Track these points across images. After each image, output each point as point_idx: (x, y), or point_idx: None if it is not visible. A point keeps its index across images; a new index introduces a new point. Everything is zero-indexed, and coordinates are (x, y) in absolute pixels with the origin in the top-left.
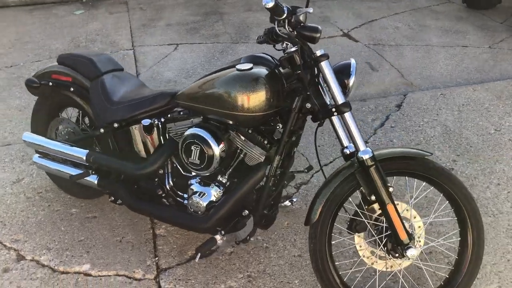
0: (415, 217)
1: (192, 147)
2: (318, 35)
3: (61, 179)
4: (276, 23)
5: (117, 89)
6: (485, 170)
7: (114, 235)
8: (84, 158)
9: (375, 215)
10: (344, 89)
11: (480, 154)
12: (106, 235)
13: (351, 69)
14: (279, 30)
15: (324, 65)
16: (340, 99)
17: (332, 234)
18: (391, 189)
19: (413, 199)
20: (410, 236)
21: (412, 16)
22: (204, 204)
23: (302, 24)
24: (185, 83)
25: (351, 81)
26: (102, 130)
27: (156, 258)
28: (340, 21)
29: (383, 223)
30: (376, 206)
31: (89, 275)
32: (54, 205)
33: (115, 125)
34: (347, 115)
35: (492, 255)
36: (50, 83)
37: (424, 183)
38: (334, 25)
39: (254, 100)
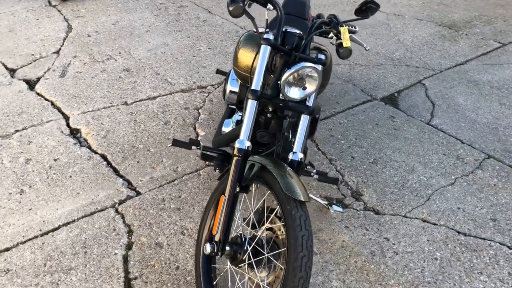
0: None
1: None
2: (230, 8)
3: None
4: None
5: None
6: None
7: None
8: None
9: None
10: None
11: None
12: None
13: (299, 64)
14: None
15: (261, 48)
16: (253, 85)
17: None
18: (238, 189)
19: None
20: (225, 237)
21: None
22: (222, 128)
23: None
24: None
25: (286, 73)
26: None
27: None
28: None
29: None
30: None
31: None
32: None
33: None
34: (249, 103)
35: None
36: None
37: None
38: None
39: (243, 58)
